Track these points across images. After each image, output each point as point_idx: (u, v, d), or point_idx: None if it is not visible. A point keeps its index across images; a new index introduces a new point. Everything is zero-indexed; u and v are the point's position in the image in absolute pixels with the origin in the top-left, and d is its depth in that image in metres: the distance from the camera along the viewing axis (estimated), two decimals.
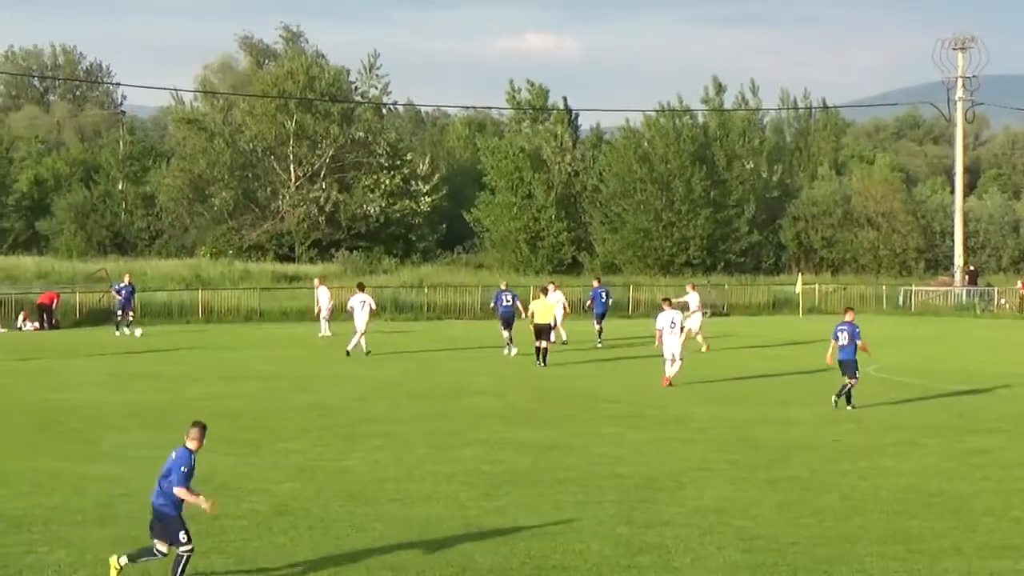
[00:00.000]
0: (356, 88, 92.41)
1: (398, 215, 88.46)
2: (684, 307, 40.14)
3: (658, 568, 14.69)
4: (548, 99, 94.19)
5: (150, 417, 26.45)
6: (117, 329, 48.15)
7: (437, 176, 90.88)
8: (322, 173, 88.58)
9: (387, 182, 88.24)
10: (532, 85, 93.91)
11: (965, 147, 78.62)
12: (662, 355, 32.46)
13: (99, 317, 54.03)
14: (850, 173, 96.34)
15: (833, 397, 28.15)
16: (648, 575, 14.49)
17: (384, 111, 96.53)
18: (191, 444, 13.58)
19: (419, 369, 36.62)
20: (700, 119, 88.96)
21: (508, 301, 41.13)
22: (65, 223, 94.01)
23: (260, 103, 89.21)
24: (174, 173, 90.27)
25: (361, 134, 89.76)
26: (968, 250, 77.41)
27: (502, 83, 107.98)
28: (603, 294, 46.30)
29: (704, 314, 57.34)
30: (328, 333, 47.19)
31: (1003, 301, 67.16)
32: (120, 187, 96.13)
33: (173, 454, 13.56)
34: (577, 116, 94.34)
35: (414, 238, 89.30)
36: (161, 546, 13.62)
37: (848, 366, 28.12)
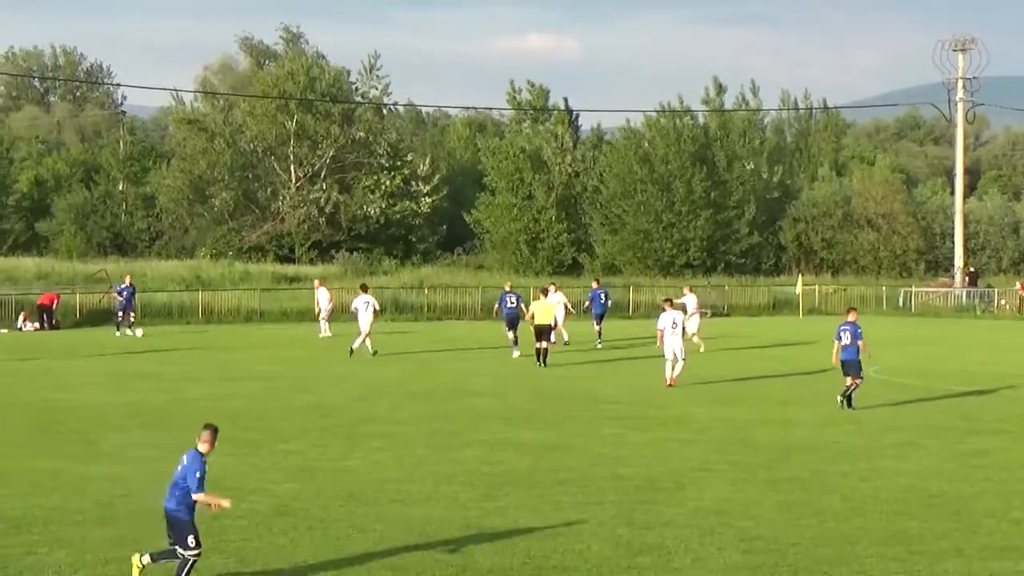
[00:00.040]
0: (356, 89, 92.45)
1: (398, 216, 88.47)
2: (682, 309, 40.13)
3: (658, 569, 14.68)
4: (548, 99, 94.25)
5: (150, 417, 26.46)
6: (118, 329, 48.16)
7: (437, 177, 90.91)
8: (322, 174, 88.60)
9: (387, 183, 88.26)
10: (532, 86, 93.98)
11: (965, 148, 78.62)
12: (663, 356, 32.45)
13: (99, 318, 54.07)
14: (850, 174, 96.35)
15: (838, 398, 28.08)
16: None
17: (384, 112, 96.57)
18: (202, 447, 13.54)
19: (419, 370, 36.62)
20: (700, 120, 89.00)
21: (512, 303, 41.08)
22: (65, 224, 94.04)
23: (260, 104, 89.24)
24: (174, 174, 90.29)
25: (361, 135, 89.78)
26: (968, 251, 77.41)
27: (502, 83, 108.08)
28: (602, 295, 46.31)
29: (704, 315, 57.50)
30: (328, 334, 47.21)
31: (1003, 302, 67.16)
32: (120, 188, 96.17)
33: (185, 458, 13.48)
34: (578, 117, 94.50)
35: (414, 239, 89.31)
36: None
37: (851, 366, 28.09)
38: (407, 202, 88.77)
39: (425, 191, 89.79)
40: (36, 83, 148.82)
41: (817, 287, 69.40)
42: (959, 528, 16.72)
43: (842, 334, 28.28)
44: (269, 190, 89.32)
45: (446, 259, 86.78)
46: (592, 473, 20.39)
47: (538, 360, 37.17)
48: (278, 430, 24.66)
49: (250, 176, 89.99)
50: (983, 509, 17.88)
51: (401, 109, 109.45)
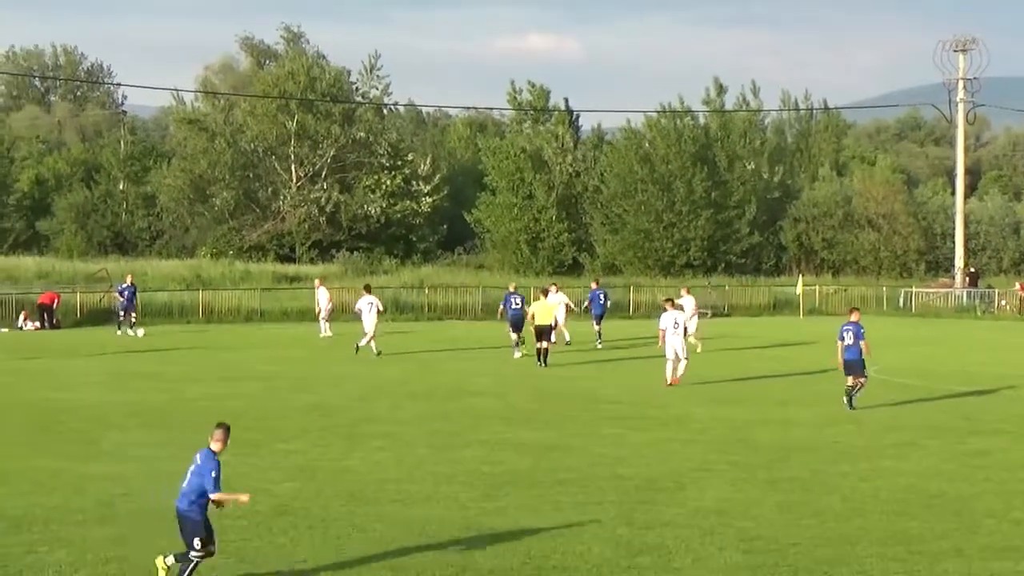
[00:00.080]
0: (357, 88, 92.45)
1: (399, 216, 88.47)
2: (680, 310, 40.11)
3: (658, 569, 14.68)
4: (549, 100, 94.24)
5: (151, 417, 26.47)
6: (119, 329, 48.16)
7: (438, 177, 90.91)
8: (323, 173, 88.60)
9: (388, 182, 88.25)
10: (533, 86, 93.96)
11: (966, 149, 78.61)
12: (664, 356, 32.44)
13: (100, 317, 54.10)
14: (851, 174, 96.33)
15: (845, 400, 28.01)
16: None
17: (385, 112, 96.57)
18: (215, 445, 13.54)
19: (420, 370, 36.62)
20: (701, 120, 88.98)
21: (517, 304, 40.95)
22: (66, 223, 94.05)
23: (261, 103, 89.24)
24: (175, 173, 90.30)
25: (362, 134, 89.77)
26: (969, 252, 77.39)
27: (503, 83, 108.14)
28: (601, 296, 46.33)
29: (705, 315, 57.55)
30: (329, 333, 47.21)
31: (1004, 303, 67.16)
32: (121, 187, 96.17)
33: (199, 458, 13.46)
34: (578, 117, 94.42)
35: (415, 239, 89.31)
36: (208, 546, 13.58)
37: (854, 366, 28.05)
38: (408, 202, 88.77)
39: (426, 191, 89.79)
40: (37, 83, 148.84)
41: (818, 287, 69.40)
42: (959, 528, 16.73)
43: (845, 334, 28.26)
44: (270, 190, 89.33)
45: (447, 259, 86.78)
46: (592, 473, 20.40)
47: (538, 360, 37.18)
48: (278, 430, 24.66)
49: (251, 176, 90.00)
50: (983, 509, 17.88)
51: (402, 109, 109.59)
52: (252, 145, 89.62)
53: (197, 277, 69.31)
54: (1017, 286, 68.49)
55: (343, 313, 54.52)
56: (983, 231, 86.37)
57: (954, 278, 73.52)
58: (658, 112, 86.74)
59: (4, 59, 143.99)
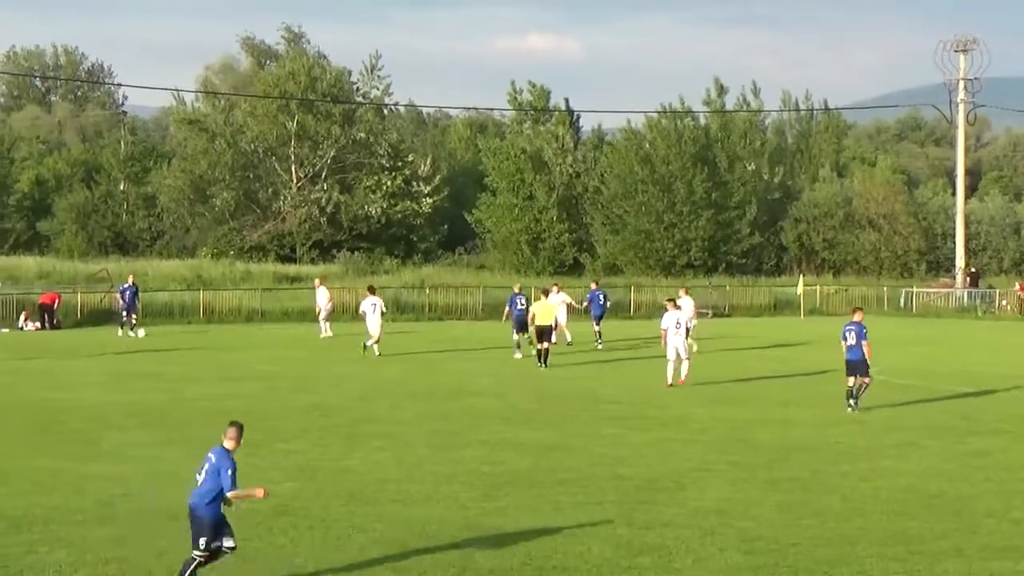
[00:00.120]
0: (357, 89, 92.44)
1: (399, 216, 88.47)
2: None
3: (659, 569, 14.68)
4: (549, 100, 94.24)
5: (151, 417, 26.47)
6: (121, 329, 48.15)
7: (438, 177, 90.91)
8: (323, 174, 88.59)
9: (388, 183, 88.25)
10: (533, 86, 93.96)
11: (966, 149, 78.60)
12: (666, 356, 32.41)
13: (100, 317, 54.14)
14: (851, 175, 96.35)
15: (851, 402, 27.95)
16: None
17: (385, 112, 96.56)
18: (229, 444, 13.54)
19: (420, 370, 36.62)
20: (702, 120, 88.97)
21: (522, 304, 40.88)
22: (66, 223, 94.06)
23: (261, 104, 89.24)
24: (175, 174, 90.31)
25: (362, 135, 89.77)
26: (969, 252, 77.39)
27: (503, 84, 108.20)
28: (601, 296, 46.35)
29: (705, 315, 57.55)
30: (329, 333, 47.23)
31: (1004, 303, 67.15)
32: (121, 187, 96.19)
33: (213, 457, 13.44)
34: (578, 117, 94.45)
35: (415, 239, 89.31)
36: (228, 541, 13.57)
37: (857, 366, 28.00)
38: (408, 202, 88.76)
39: (426, 191, 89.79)
40: (37, 83, 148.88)
41: (818, 288, 69.40)
42: (959, 528, 16.72)
43: (847, 334, 28.21)
44: (270, 190, 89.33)
45: (447, 259, 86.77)
46: (592, 473, 20.39)
47: (539, 360, 37.18)
48: (278, 430, 24.65)
49: (251, 176, 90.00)
50: (983, 509, 17.88)
51: (402, 109, 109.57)
52: (252, 145, 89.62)
53: (198, 277, 69.33)
54: (1017, 286, 68.49)
55: (343, 313, 54.58)
56: (983, 231, 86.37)
57: (955, 278, 73.51)
58: (658, 112, 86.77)
59: (5, 59, 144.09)
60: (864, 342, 27.91)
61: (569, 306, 44.40)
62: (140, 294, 50.75)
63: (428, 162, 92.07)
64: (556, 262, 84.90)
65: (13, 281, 66.12)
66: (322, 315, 48.58)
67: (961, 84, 73.44)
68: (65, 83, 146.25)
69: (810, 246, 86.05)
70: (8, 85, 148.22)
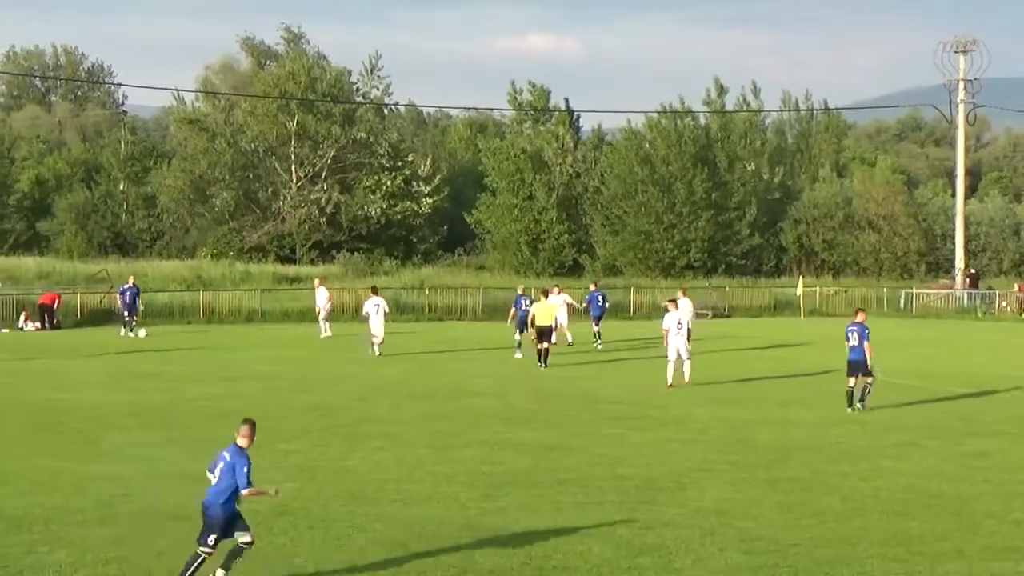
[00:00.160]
0: (357, 89, 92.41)
1: (399, 216, 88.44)
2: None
3: (659, 569, 14.68)
4: (549, 100, 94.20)
5: (151, 417, 26.47)
6: (124, 329, 48.17)
7: (438, 177, 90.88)
8: (323, 174, 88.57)
9: (388, 183, 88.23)
10: (533, 86, 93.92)
11: (966, 150, 78.58)
12: (667, 356, 32.39)
13: (100, 318, 54.14)
14: (851, 175, 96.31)
15: (858, 404, 27.93)
16: None
17: (385, 112, 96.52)
18: (242, 441, 13.56)
19: (420, 370, 36.62)
20: (702, 121, 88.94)
21: (527, 305, 40.90)
22: (66, 224, 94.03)
23: (261, 104, 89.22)
24: (175, 174, 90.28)
25: (362, 135, 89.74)
26: (969, 253, 77.35)
27: (503, 84, 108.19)
28: (599, 297, 46.38)
29: (705, 316, 57.55)
30: (328, 333, 47.23)
31: (1004, 304, 67.15)
32: (121, 187, 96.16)
33: (227, 455, 13.45)
34: (578, 117, 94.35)
35: (415, 239, 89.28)
36: (244, 537, 13.58)
37: (858, 366, 28.03)
38: (408, 202, 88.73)
39: (426, 191, 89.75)
40: (37, 83, 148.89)
41: (818, 288, 69.39)
42: (960, 529, 16.72)
43: (850, 335, 28.24)
44: (270, 190, 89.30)
45: (447, 259, 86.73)
46: (592, 473, 20.39)
47: (539, 361, 37.18)
48: (278, 430, 24.64)
49: (251, 176, 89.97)
50: (984, 510, 17.88)
51: (402, 109, 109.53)
52: (252, 145, 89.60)
53: (198, 278, 69.31)
54: (1016, 287, 68.46)
55: (343, 313, 54.58)
56: (983, 232, 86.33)
57: (954, 279, 73.48)
58: (658, 113, 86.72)
59: (5, 59, 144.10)
60: (866, 343, 27.94)
61: (570, 307, 44.40)
62: (140, 295, 50.73)
63: (428, 162, 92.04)
64: (556, 263, 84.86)
65: (13, 281, 66.13)
66: (322, 315, 48.58)
67: (961, 84, 73.41)
68: (65, 83, 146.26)
69: (810, 247, 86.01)
70: (8, 85, 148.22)
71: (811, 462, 21.60)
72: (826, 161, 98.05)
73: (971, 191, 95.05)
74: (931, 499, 18.63)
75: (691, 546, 15.61)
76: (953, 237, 76.94)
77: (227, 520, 13.41)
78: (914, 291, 70.61)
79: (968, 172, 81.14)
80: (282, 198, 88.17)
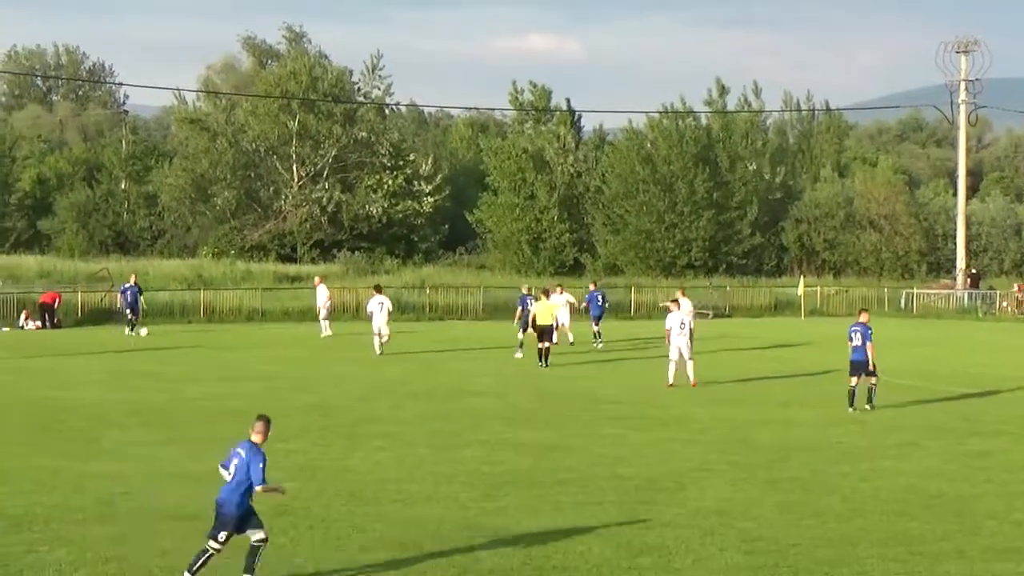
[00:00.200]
0: (359, 88, 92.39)
1: (400, 216, 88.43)
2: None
3: (659, 569, 14.67)
4: (551, 100, 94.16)
5: (151, 416, 26.46)
6: (128, 328, 48.20)
7: (440, 177, 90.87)
8: (324, 173, 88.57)
9: (390, 182, 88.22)
10: (535, 86, 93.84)
11: (968, 150, 78.56)
12: (668, 356, 32.36)
13: (101, 316, 54.16)
14: (852, 175, 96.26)
15: (866, 406, 27.89)
16: None
17: (387, 111, 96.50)
18: (256, 437, 13.61)
19: (421, 370, 36.61)
20: (703, 121, 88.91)
21: (532, 305, 40.88)
22: (67, 222, 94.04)
23: (263, 103, 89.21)
24: (176, 173, 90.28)
25: (364, 134, 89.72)
26: (970, 253, 77.33)
27: (504, 84, 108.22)
28: (599, 297, 46.39)
29: (706, 316, 57.53)
30: (329, 332, 47.22)
31: (1005, 304, 67.13)
32: (122, 187, 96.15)
33: (242, 452, 13.49)
34: (580, 117, 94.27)
35: (416, 239, 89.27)
36: (257, 535, 13.57)
37: (861, 367, 28.05)
38: (409, 202, 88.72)
39: (427, 191, 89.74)
40: (39, 82, 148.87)
41: (819, 288, 69.38)
42: (960, 529, 16.71)
43: (853, 335, 28.26)
44: (271, 189, 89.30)
45: (448, 259, 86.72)
46: (592, 473, 20.39)
47: (540, 360, 37.18)
48: (279, 429, 24.38)
49: (252, 175, 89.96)
50: (985, 510, 17.86)
51: (403, 109, 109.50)
52: (254, 145, 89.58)
53: (198, 277, 69.31)
54: (1015, 287, 68.45)
55: (344, 313, 54.60)
56: (984, 233, 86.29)
57: (955, 279, 73.46)
58: (660, 112, 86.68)
59: (6, 58, 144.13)
60: (869, 343, 27.94)
61: (571, 306, 44.38)
62: (142, 293, 50.75)
63: (429, 162, 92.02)
64: (557, 262, 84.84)
65: (14, 280, 66.15)
66: (322, 314, 48.57)
67: (962, 85, 73.38)
68: (66, 82, 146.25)
69: (811, 247, 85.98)
70: (9, 84, 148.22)
71: (811, 462, 21.59)
72: (827, 161, 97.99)
73: (972, 191, 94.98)
74: (932, 499, 18.62)
75: (691, 546, 15.61)
76: (954, 237, 76.93)
77: (241, 517, 13.43)
78: (915, 291, 70.59)
79: (969, 172, 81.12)
80: (283, 197, 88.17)
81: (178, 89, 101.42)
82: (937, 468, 21.28)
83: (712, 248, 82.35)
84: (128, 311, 48.78)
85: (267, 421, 13.73)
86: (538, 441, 23.62)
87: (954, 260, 75.76)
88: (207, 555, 13.44)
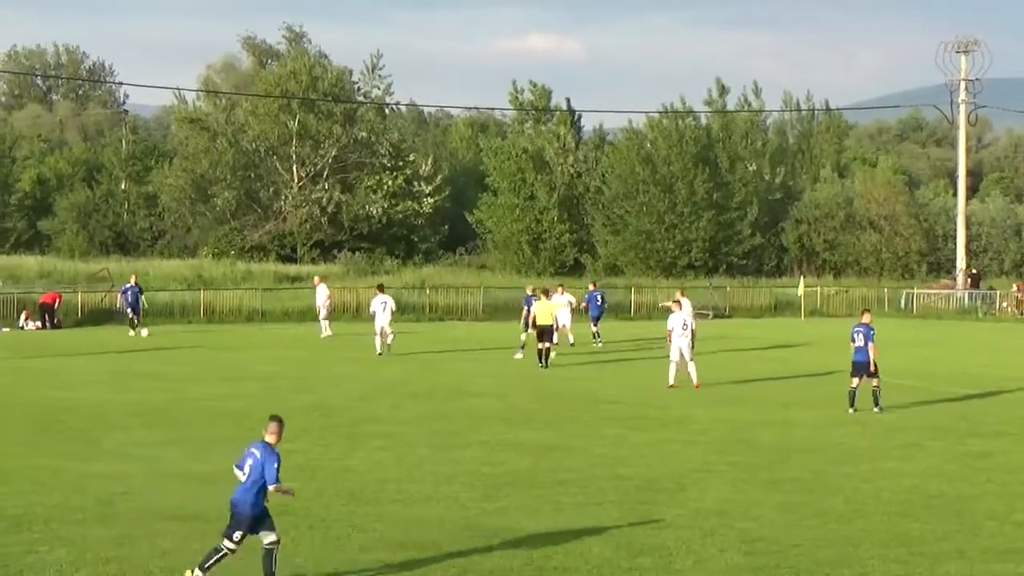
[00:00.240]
0: (359, 88, 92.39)
1: (400, 216, 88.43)
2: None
3: (659, 570, 14.67)
4: (551, 100, 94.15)
5: (152, 416, 26.46)
6: (132, 329, 48.23)
7: (440, 177, 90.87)
8: (324, 173, 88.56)
9: (390, 183, 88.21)
10: (535, 86, 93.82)
11: (968, 150, 78.55)
12: (670, 357, 32.33)
13: (101, 317, 54.17)
14: (852, 175, 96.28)
15: (875, 409, 27.84)
16: None
17: (387, 111, 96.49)
18: (270, 438, 13.61)
19: (421, 370, 36.61)
20: (703, 121, 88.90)
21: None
22: (67, 223, 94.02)
23: (263, 103, 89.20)
24: (176, 173, 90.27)
25: (364, 134, 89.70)
26: (970, 253, 77.31)
27: (504, 84, 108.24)
28: (598, 297, 46.43)
29: (706, 316, 57.49)
30: (329, 333, 47.22)
31: (1005, 304, 67.14)
32: (123, 187, 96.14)
33: (257, 452, 13.48)
34: (580, 117, 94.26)
35: (416, 239, 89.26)
36: (269, 537, 13.57)
37: (863, 367, 28.04)
38: (409, 202, 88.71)
39: (427, 191, 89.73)
40: (39, 82, 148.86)
41: (819, 289, 69.38)
42: (961, 530, 16.71)
43: (855, 336, 28.26)
44: (271, 189, 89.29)
45: (448, 259, 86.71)
46: (593, 474, 20.38)
47: (540, 361, 37.18)
48: None
49: (252, 175, 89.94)
50: (985, 511, 17.86)
51: (403, 109, 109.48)
52: (254, 145, 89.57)
53: (199, 277, 69.32)
54: (1014, 288, 68.45)
55: (344, 313, 54.60)
56: (984, 233, 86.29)
57: (955, 280, 73.46)
58: (660, 113, 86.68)
59: (6, 58, 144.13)
60: (871, 344, 27.93)
61: (572, 307, 44.36)
62: (143, 293, 50.76)
63: (429, 162, 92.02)
64: (557, 263, 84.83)
65: (14, 280, 66.15)
66: (322, 314, 48.56)
67: (962, 85, 73.37)
68: (66, 82, 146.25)
69: (811, 247, 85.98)
70: (9, 84, 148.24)
71: (812, 463, 21.59)
72: (827, 161, 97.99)
73: (972, 191, 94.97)
74: (933, 500, 18.62)
75: (692, 547, 15.60)
76: (954, 237, 76.92)
77: (255, 517, 13.45)
78: (915, 291, 70.59)
79: (969, 172, 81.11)
80: (283, 197, 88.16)
81: (178, 89, 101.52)
82: (938, 469, 21.28)
83: (712, 249, 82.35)
84: (129, 311, 48.83)
85: (280, 422, 13.75)
86: (538, 441, 23.61)
87: (954, 260, 75.75)
88: (221, 554, 13.45)
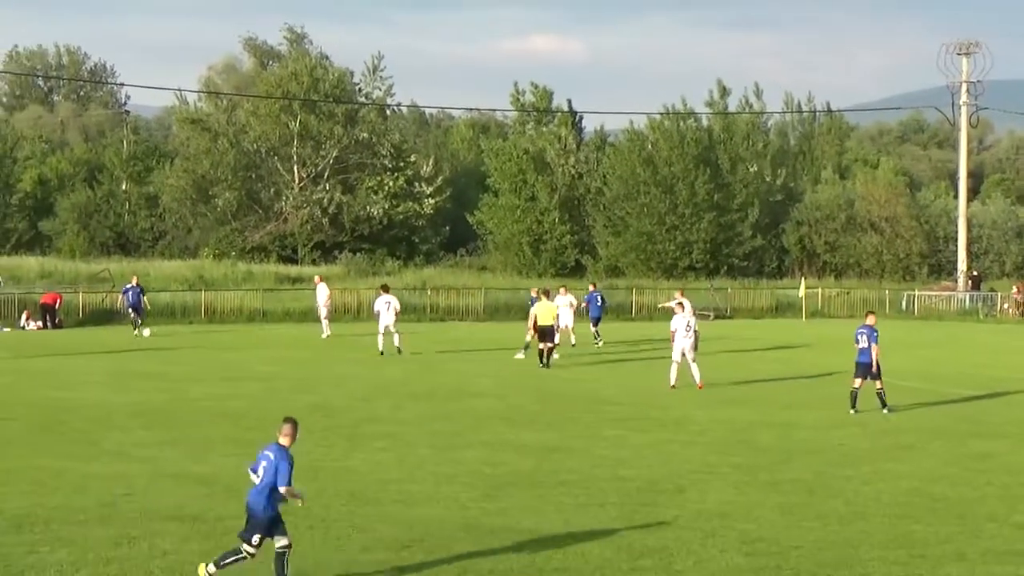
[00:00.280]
0: (360, 89, 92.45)
1: (401, 217, 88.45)
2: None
3: (660, 571, 14.66)
4: (552, 101, 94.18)
5: (153, 417, 26.46)
6: (136, 329, 48.28)
7: (441, 178, 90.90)
8: (325, 174, 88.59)
9: (391, 184, 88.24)
10: (536, 87, 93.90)
11: (969, 152, 78.55)
12: (672, 358, 32.32)
13: (102, 317, 54.19)
14: (854, 177, 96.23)
15: (884, 411, 27.87)
16: None
17: (388, 112, 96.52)
18: (284, 440, 13.60)
19: (422, 370, 36.61)
20: (704, 122, 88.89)
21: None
22: (68, 223, 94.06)
23: (264, 104, 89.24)
24: (178, 173, 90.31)
25: (365, 135, 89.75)
26: (971, 255, 77.29)
27: (506, 85, 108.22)
28: (598, 298, 46.46)
29: (707, 317, 57.46)
30: (329, 332, 47.22)
31: (1006, 306, 67.12)
32: (124, 187, 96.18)
33: (271, 454, 13.47)
34: (581, 118, 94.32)
35: (417, 240, 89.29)
36: (281, 541, 13.58)
37: (866, 369, 28.06)
38: (410, 203, 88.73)
39: (428, 192, 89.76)
40: (40, 82, 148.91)
41: (820, 290, 69.37)
42: (962, 532, 16.70)
43: (859, 337, 28.28)
44: (272, 190, 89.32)
45: (449, 260, 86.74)
46: (593, 475, 20.38)
47: (541, 361, 37.17)
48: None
49: (253, 176, 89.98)
50: (986, 513, 17.86)
51: (404, 110, 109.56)
52: (255, 145, 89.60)
53: (200, 278, 69.35)
54: (1014, 289, 68.43)
55: (344, 313, 54.60)
56: (986, 235, 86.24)
57: (956, 281, 73.45)
58: (661, 114, 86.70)
59: (7, 59, 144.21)
60: (874, 345, 27.95)
61: (573, 308, 44.36)
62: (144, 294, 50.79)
63: (430, 163, 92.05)
64: (558, 264, 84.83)
65: (15, 281, 66.20)
66: (323, 313, 48.56)
67: (964, 87, 73.35)
68: (68, 83, 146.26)
69: (812, 249, 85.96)
70: (11, 85, 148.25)
71: (813, 464, 21.58)
72: (828, 163, 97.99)
73: (973, 193, 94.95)
74: (934, 502, 18.61)
75: (692, 548, 15.60)
76: (955, 239, 76.89)
77: (270, 521, 13.44)
78: (916, 293, 70.54)
79: (970, 174, 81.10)
80: (284, 198, 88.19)
81: (179, 89, 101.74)
82: (939, 470, 21.27)
83: (713, 250, 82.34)
84: (131, 311, 48.88)
85: (294, 424, 13.74)
86: (539, 442, 23.61)
87: (955, 262, 75.73)
88: (240, 556, 13.47)
